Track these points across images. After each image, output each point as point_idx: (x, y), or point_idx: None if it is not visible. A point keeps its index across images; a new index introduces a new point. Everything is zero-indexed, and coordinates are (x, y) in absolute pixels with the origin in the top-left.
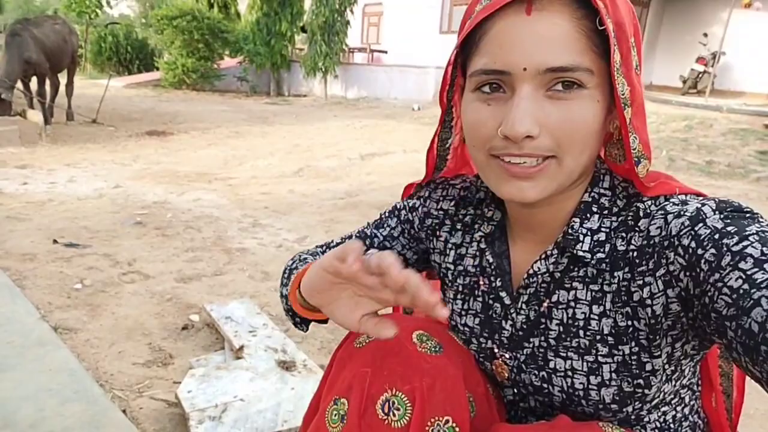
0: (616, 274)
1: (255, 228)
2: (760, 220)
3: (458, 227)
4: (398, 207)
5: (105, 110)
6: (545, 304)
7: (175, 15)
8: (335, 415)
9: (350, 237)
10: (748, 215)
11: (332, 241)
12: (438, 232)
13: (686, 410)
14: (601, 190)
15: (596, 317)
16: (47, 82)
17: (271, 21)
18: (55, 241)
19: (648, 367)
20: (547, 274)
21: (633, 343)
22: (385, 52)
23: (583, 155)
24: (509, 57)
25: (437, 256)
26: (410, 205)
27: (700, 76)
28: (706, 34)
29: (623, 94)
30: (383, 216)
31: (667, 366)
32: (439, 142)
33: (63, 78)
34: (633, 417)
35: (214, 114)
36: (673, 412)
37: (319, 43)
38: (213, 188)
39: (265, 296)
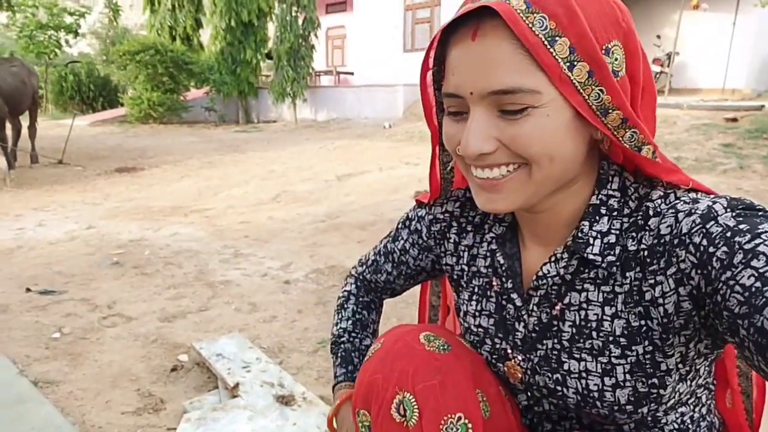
0: (627, 274)
1: (237, 258)
2: None
3: (468, 228)
4: (409, 217)
5: (71, 150)
6: (558, 307)
7: (137, 50)
8: (362, 428)
9: (383, 251)
10: (760, 213)
11: (375, 253)
12: (447, 235)
13: (703, 410)
14: (610, 192)
15: (608, 318)
16: (7, 125)
17: (236, 50)
18: (28, 290)
19: (662, 366)
20: (557, 277)
21: (646, 342)
22: (352, 73)
23: (554, 165)
24: (458, 82)
25: (449, 258)
26: (419, 214)
27: (657, 76)
28: (659, 36)
29: (599, 102)
30: (398, 227)
31: (681, 366)
32: (442, 166)
33: (24, 120)
34: (649, 418)
35: (184, 146)
36: (691, 413)
37: (285, 68)
38: (190, 221)
39: (254, 329)
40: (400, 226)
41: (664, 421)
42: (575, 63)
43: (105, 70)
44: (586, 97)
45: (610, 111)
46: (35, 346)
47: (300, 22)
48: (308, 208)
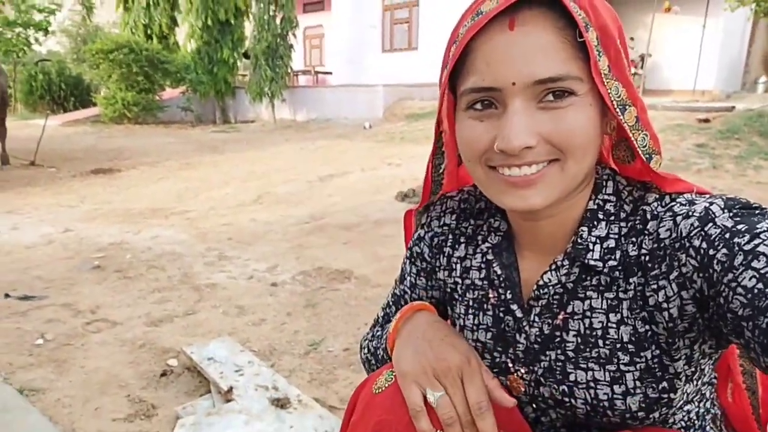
0: (631, 280)
1: (222, 261)
2: None
3: (461, 240)
4: (409, 247)
5: (43, 151)
6: (561, 316)
7: (111, 48)
8: None
9: (392, 300)
10: (757, 212)
11: (382, 309)
12: (443, 248)
13: (707, 404)
14: (605, 197)
15: (614, 325)
16: None
17: (212, 49)
18: (6, 295)
19: (670, 369)
20: (559, 285)
21: (654, 347)
22: (330, 73)
23: (586, 159)
24: (497, 73)
25: (442, 272)
26: (416, 237)
27: (632, 77)
28: (632, 38)
29: (619, 96)
30: (402, 266)
31: (686, 368)
32: (433, 168)
33: None
34: (659, 421)
35: (161, 147)
36: (697, 409)
37: (263, 68)
38: (171, 224)
39: (244, 332)
40: (404, 263)
41: (671, 420)
42: (600, 55)
43: (77, 69)
44: (609, 90)
45: (627, 107)
46: (18, 354)
47: (278, 21)
48: (291, 209)
